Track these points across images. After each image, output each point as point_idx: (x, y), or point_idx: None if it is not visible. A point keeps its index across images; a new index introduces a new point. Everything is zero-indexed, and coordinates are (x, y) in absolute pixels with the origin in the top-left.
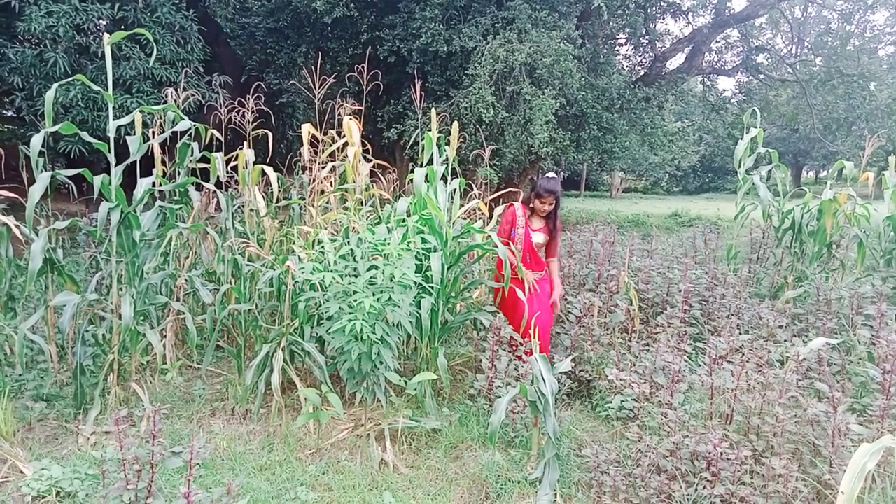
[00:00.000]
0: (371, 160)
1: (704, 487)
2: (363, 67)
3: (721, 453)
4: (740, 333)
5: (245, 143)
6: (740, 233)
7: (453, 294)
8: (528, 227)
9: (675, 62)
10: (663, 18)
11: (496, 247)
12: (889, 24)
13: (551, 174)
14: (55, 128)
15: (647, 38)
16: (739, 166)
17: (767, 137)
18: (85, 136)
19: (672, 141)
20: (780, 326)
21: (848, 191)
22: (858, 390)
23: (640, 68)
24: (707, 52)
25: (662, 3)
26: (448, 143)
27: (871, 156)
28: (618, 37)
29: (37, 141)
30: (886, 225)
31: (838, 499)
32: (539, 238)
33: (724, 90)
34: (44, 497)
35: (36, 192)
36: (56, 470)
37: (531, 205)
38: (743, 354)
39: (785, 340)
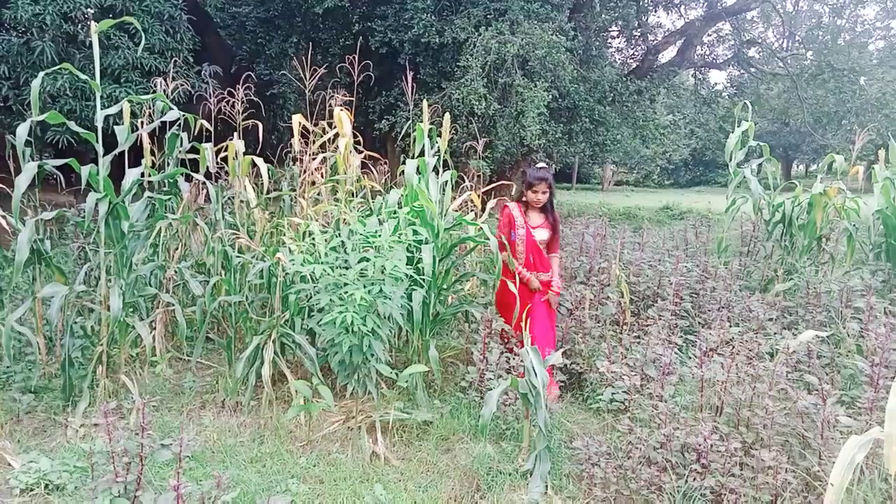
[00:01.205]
0: (362, 151)
1: (694, 479)
2: (354, 58)
3: (711, 445)
4: (731, 326)
5: (235, 134)
6: (731, 226)
7: (445, 286)
8: (528, 225)
9: (666, 55)
10: (655, 11)
11: (487, 239)
12: (879, 19)
13: (541, 164)
14: (41, 117)
15: (639, 30)
16: (730, 160)
17: (758, 131)
18: (72, 125)
19: (663, 134)
20: (770, 319)
21: (838, 184)
22: (847, 383)
23: (632, 61)
24: (699, 45)
25: None
26: (440, 135)
27: (860, 150)
28: (610, 29)
29: (23, 130)
30: (876, 218)
31: (827, 491)
32: (543, 234)
33: (716, 83)
34: (32, 490)
35: (22, 182)
36: (44, 462)
37: (524, 199)
38: (733, 347)
39: (775, 333)
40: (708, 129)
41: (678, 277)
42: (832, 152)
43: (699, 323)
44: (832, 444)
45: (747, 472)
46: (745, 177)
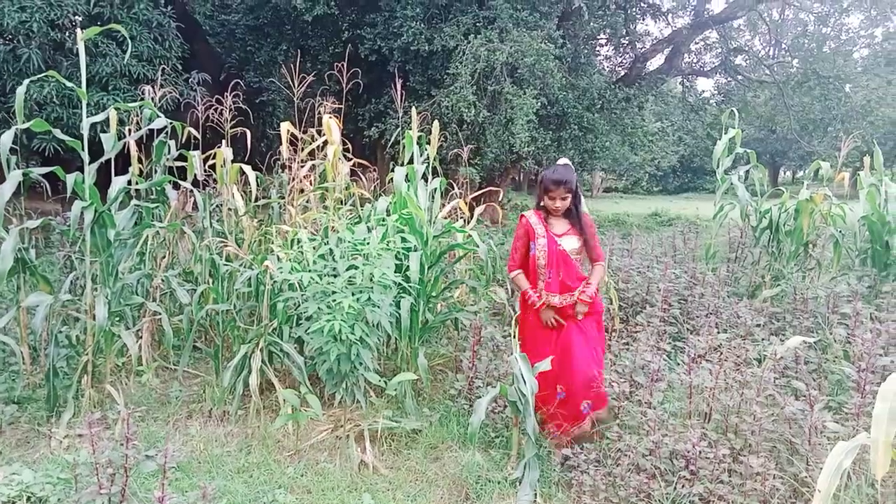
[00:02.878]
0: (351, 159)
1: (683, 486)
2: (344, 66)
3: (700, 452)
4: (719, 332)
5: (223, 142)
6: (719, 232)
7: (434, 294)
8: (551, 233)
9: (654, 63)
10: (643, 19)
11: (476, 246)
12: (864, 27)
13: (562, 160)
14: (27, 125)
15: (627, 38)
16: (718, 166)
17: (745, 138)
18: (58, 133)
19: (652, 141)
20: (758, 325)
21: (824, 191)
22: (834, 388)
23: (620, 69)
24: (686, 53)
25: (642, 4)
26: (429, 143)
27: (846, 156)
28: (598, 37)
29: (7, 138)
30: (862, 224)
31: (815, 496)
32: (571, 243)
33: (703, 91)
34: (14, 502)
35: (6, 190)
36: (27, 474)
37: (542, 203)
38: (721, 353)
39: (762, 339)
40: (696, 136)
41: (667, 284)
42: (818, 159)
43: (687, 329)
44: (819, 449)
45: (736, 479)
46: (732, 183)
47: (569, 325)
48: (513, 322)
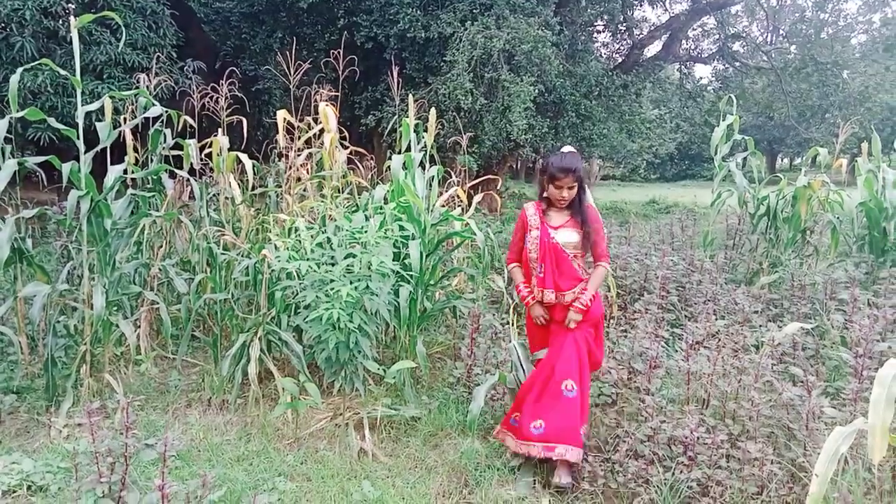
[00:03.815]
0: (348, 147)
1: (681, 472)
2: (339, 53)
3: (698, 438)
4: (716, 319)
5: (219, 130)
6: (716, 219)
7: (432, 282)
8: (546, 225)
9: (652, 49)
10: (640, 5)
11: (474, 234)
12: (861, 13)
13: (567, 148)
14: (20, 113)
15: (624, 25)
16: (716, 153)
17: (743, 125)
18: (53, 122)
19: (650, 128)
20: (756, 312)
21: (822, 177)
22: (832, 374)
23: (617, 55)
24: (684, 39)
25: None
26: (426, 130)
27: (844, 143)
28: (596, 24)
29: (1, 127)
30: (859, 211)
31: (812, 481)
32: (568, 236)
33: (701, 78)
34: (14, 491)
35: (2, 180)
36: (27, 463)
37: (545, 195)
38: (719, 340)
39: (760, 325)
40: (693, 124)
41: (664, 271)
42: (816, 145)
43: (685, 316)
44: (817, 435)
45: (734, 464)
46: (730, 170)
47: (554, 331)
48: (511, 310)
